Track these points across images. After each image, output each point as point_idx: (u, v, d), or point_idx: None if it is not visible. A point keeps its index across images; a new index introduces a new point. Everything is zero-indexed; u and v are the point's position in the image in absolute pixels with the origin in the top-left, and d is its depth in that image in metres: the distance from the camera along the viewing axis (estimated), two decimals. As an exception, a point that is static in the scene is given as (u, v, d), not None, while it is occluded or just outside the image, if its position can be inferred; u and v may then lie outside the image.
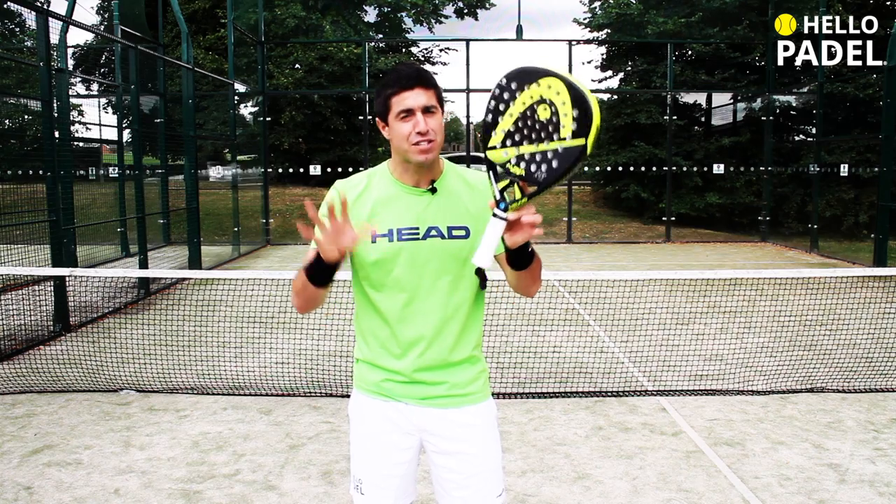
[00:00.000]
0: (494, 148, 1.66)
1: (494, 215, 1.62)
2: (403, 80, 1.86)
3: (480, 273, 1.75)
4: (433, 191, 1.93)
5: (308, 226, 1.74)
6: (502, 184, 1.63)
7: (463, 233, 1.93)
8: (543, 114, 1.58)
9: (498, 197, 1.62)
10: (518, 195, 1.61)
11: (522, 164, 1.61)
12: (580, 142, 1.53)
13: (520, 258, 1.74)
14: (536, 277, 1.88)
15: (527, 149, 1.60)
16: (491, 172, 1.66)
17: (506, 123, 1.64)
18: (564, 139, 1.54)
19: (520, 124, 1.62)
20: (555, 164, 1.56)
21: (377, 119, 1.95)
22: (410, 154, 1.86)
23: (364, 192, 1.95)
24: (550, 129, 1.57)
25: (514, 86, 1.64)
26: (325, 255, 1.74)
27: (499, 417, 2.12)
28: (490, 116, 1.67)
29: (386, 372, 1.98)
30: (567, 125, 1.55)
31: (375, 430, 2.01)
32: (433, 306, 1.93)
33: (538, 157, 1.58)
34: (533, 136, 1.60)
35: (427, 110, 1.86)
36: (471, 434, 1.99)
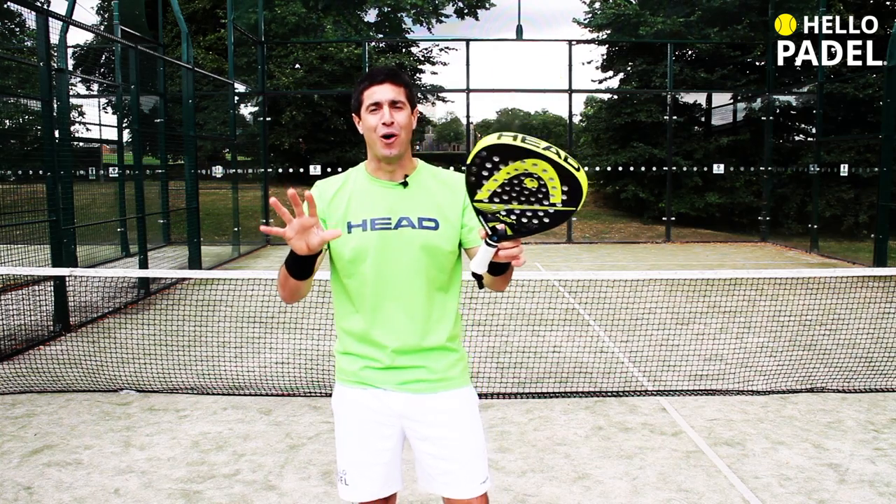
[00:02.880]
0: (482, 202, 1.70)
1: (486, 244, 1.73)
2: (375, 75, 2.01)
3: (477, 276, 1.83)
4: (405, 184, 2.04)
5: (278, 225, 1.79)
6: (492, 224, 1.72)
7: (433, 224, 2.02)
8: (531, 184, 1.62)
9: (490, 232, 1.72)
10: (509, 231, 1.71)
11: (513, 216, 1.68)
12: (571, 208, 1.63)
13: (498, 268, 1.84)
14: (508, 280, 1.98)
15: (517, 206, 1.67)
16: (480, 217, 1.73)
17: (491, 185, 1.66)
18: (555, 205, 1.63)
19: (507, 188, 1.65)
20: (546, 220, 1.67)
21: (353, 114, 2.07)
22: (377, 147, 1.99)
23: (341, 187, 2.07)
24: (540, 196, 1.63)
25: (496, 159, 1.62)
26: (294, 249, 1.81)
27: (479, 404, 2.19)
28: (473, 178, 1.67)
29: (364, 359, 2.06)
30: (557, 195, 1.62)
31: (357, 419, 2.07)
32: (405, 293, 2.01)
33: (529, 213, 1.67)
34: (521, 198, 1.66)
35: (394, 104, 1.98)
36: (449, 419, 2.05)
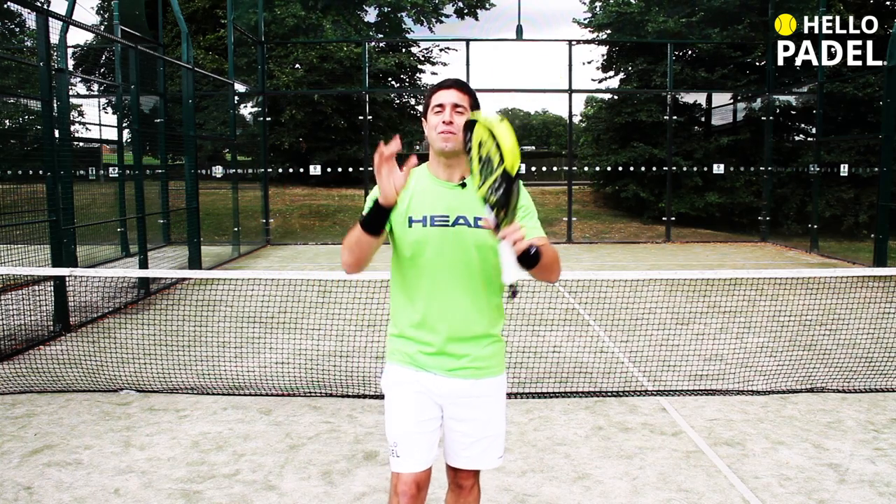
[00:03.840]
0: (480, 187, 2.00)
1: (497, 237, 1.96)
2: (444, 82, 2.27)
3: (511, 288, 1.99)
4: (463, 185, 2.24)
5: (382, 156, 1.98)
6: (491, 200, 1.96)
7: None
8: (484, 151, 1.95)
9: (494, 223, 1.95)
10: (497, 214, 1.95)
11: (492, 195, 1.93)
12: (502, 167, 1.87)
13: (523, 262, 1.98)
14: (551, 270, 2.20)
15: (488, 181, 1.94)
16: (487, 207, 1.97)
17: (475, 167, 2.01)
18: (497, 169, 1.89)
19: (478, 163, 1.99)
20: (500, 190, 1.90)
21: (422, 118, 2.30)
22: (435, 141, 2.21)
23: (405, 185, 2.21)
24: (492, 163, 1.91)
25: (468, 136, 2.02)
26: (385, 188, 1.98)
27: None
28: (467, 153, 2.06)
29: (418, 344, 2.27)
30: (495, 158, 1.90)
31: (407, 391, 2.28)
32: (458, 285, 2.22)
33: (494, 186, 1.92)
34: (486, 170, 1.95)
35: (456, 107, 2.20)
36: (484, 403, 2.31)
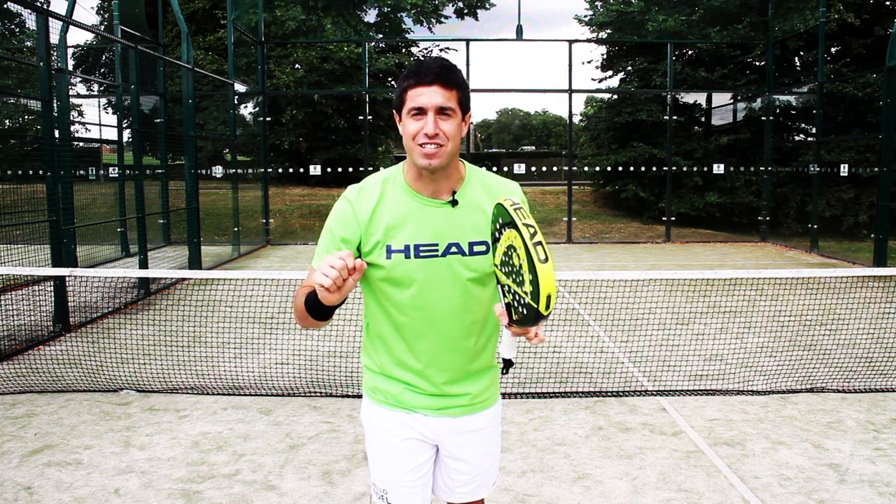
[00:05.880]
0: (495, 266, 1.66)
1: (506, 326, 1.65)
2: (423, 74, 1.72)
3: (506, 361, 1.74)
4: (454, 203, 1.81)
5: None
6: (507, 299, 1.63)
7: (484, 248, 1.83)
8: (516, 261, 1.53)
9: (505, 312, 1.63)
10: (514, 317, 1.60)
11: (509, 296, 1.59)
12: (534, 305, 1.46)
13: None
14: None
15: (509, 282, 1.58)
16: (499, 287, 1.67)
17: (499, 251, 1.63)
18: (526, 294, 1.49)
19: (504, 258, 1.60)
20: (524, 311, 1.52)
21: (394, 112, 1.82)
22: (415, 156, 1.74)
23: (379, 203, 1.82)
24: (520, 277, 1.52)
25: (500, 221, 1.61)
26: (325, 299, 1.60)
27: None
28: (491, 235, 1.68)
29: (404, 384, 1.93)
30: (526, 282, 1.49)
31: (397, 439, 1.97)
32: (452, 322, 1.86)
33: (517, 297, 1.55)
34: (512, 274, 1.57)
35: (442, 111, 1.72)
36: (481, 437, 2.02)
